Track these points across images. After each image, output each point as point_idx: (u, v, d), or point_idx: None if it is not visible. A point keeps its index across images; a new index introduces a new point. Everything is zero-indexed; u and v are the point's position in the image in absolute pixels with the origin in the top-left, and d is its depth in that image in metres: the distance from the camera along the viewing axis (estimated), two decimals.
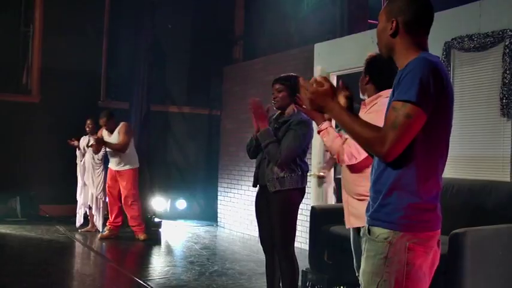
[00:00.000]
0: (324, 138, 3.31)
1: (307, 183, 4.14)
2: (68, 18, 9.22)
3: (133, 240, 7.39)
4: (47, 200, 8.92)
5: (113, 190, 7.47)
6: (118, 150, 7.26)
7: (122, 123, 7.43)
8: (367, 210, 2.10)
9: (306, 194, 4.11)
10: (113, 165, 7.44)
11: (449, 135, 2.06)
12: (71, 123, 8.35)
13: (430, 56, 2.01)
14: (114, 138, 7.34)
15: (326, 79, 2.12)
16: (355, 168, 3.31)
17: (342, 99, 2.14)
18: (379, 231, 2.00)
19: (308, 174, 4.11)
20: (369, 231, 2.05)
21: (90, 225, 7.99)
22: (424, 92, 1.87)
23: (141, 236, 7.45)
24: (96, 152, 7.56)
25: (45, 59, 9.25)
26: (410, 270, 1.95)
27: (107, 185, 7.55)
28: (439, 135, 2.00)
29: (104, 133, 7.48)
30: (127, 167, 7.38)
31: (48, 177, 8.83)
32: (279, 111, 4.09)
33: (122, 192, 7.43)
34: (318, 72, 6.71)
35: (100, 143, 7.31)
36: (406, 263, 1.95)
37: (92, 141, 7.59)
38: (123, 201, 7.45)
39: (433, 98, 1.89)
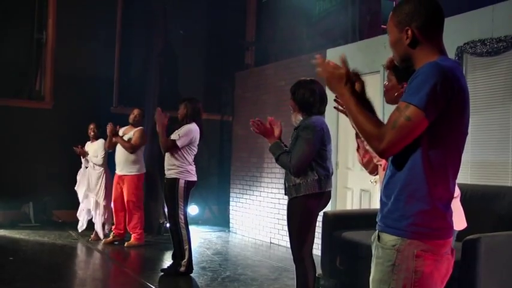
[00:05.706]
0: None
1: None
2: (80, 25, 9.31)
3: (146, 246, 7.39)
4: (59, 205, 8.97)
5: (118, 196, 7.41)
6: (126, 148, 7.22)
7: (139, 128, 7.45)
8: (378, 215, 2.07)
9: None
10: (117, 169, 7.40)
11: (463, 143, 2.01)
12: (84, 129, 8.38)
13: (445, 61, 1.95)
14: (127, 138, 7.33)
15: (344, 62, 2.08)
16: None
17: (357, 85, 2.08)
18: (388, 238, 1.97)
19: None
20: (379, 237, 2.02)
21: (93, 235, 7.71)
22: (430, 99, 1.83)
23: (134, 242, 7.31)
24: (108, 144, 7.43)
25: (58, 66, 9.34)
26: (419, 278, 1.91)
27: (113, 190, 7.48)
28: (451, 142, 1.95)
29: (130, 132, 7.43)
30: (130, 172, 7.32)
31: (61, 183, 8.86)
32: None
33: (124, 197, 7.36)
34: None
35: (114, 135, 7.29)
36: (414, 270, 1.90)
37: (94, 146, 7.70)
38: (126, 207, 7.38)
39: (439, 105, 1.85)
